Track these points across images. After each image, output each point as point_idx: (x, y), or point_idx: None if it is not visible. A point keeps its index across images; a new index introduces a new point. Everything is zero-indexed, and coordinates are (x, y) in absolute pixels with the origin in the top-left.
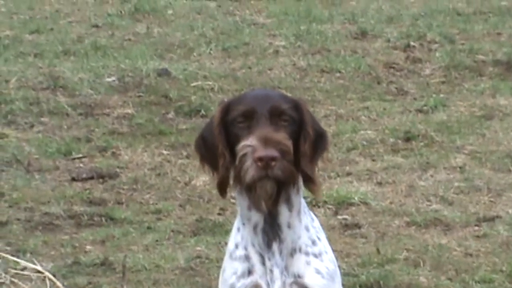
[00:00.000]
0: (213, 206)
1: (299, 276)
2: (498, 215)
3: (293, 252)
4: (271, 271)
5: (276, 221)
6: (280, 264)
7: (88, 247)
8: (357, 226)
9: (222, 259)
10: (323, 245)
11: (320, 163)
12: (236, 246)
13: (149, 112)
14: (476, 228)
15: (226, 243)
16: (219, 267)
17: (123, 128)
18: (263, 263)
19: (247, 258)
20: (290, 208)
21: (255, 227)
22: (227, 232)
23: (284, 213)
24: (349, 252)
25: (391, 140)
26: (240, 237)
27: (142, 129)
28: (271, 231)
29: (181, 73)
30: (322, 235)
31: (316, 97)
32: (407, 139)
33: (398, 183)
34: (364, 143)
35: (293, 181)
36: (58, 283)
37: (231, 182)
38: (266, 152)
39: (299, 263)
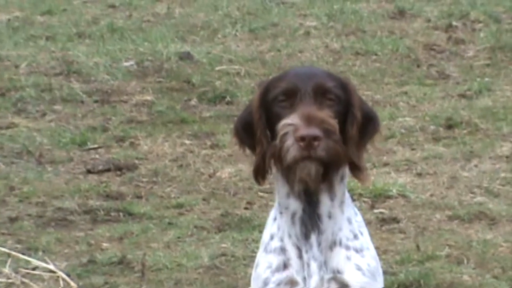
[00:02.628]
0: (240, 199)
1: (338, 272)
2: None
3: (332, 245)
4: (308, 265)
5: (316, 211)
6: (318, 258)
7: (105, 245)
8: (395, 220)
9: (249, 257)
10: (365, 240)
11: (370, 149)
12: (272, 237)
13: (170, 99)
14: None
15: (253, 240)
16: (246, 265)
17: (142, 116)
18: (300, 257)
19: (282, 250)
20: (332, 197)
21: (293, 216)
22: (254, 228)
23: (325, 202)
24: (387, 248)
25: (432, 127)
26: (276, 228)
27: (163, 117)
28: (310, 221)
29: (204, 57)
30: (365, 230)
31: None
32: (449, 127)
33: (439, 174)
34: (403, 131)
35: (340, 162)
36: (72, 283)
37: (270, 168)
38: (308, 130)
39: (339, 258)
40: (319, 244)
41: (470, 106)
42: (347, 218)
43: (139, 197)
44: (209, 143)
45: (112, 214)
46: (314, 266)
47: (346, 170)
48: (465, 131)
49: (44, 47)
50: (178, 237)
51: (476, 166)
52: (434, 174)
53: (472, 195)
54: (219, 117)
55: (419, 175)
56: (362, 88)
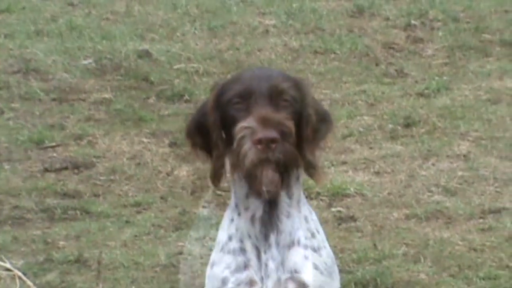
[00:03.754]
0: (197, 198)
1: (296, 272)
2: (504, 207)
3: (290, 244)
4: (266, 265)
5: (275, 211)
6: (277, 258)
7: (62, 243)
8: (353, 219)
9: (206, 255)
10: (322, 239)
11: (324, 148)
12: (230, 238)
13: (128, 97)
14: (481, 220)
15: (210, 238)
16: (203, 264)
17: (100, 114)
18: (259, 257)
19: (242, 251)
20: (290, 196)
21: (252, 217)
22: (212, 226)
23: (283, 202)
24: (344, 247)
25: (390, 126)
26: (234, 229)
27: (121, 115)
28: (269, 221)
29: (163, 55)
30: (321, 229)
31: (308, 79)
32: (407, 125)
33: (397, 172)
34: (361, 129)
35: (296, 164)
36: (29, 282)
37: (226, 170)
38: (265, 133)
39: (297, 258)
40: (277, 244)
41: (428, 105)
42: (304, 217)
43: (97, 195)
44: (167, 141)
45: (69, 212)
46: (272, 266)
47: (301, 169)
48: (423, 130)
49: (2, 45)
50: (135, 236)
51: (433, 164)
52: (391, 172)
53: (429, 193)
54: (177, 115)
55: (377, 173)
56: (321, 86)
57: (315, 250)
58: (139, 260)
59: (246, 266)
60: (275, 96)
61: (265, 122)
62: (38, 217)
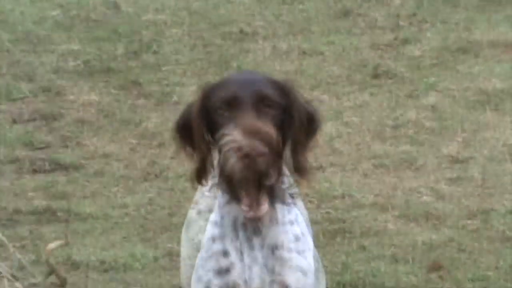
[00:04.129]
0: (166, 149)
1: (279, 274)
2: (472, 156)
3: (274, 248)
4: (250, 268)
5: (257, 215)
6: (260, 261)
7: (30, 194)
8: (321, 168)
9: (175, 206)
10: (307, 241)
11: (311, 148)
12: (213, 240)
13: (96, 48)
14: (449, 170)
15: (179, 189)
16: (171, 214)
17: (69, 66)
18: (242, 260)
19: (225, 253)
20: (273, 202)
21: (234, 221)
22: (180, 177)
23: (266, 207)
24: (312, 196)
25: (358, 76)
26: (217, 231)
27: (89, 66)
28: (251, 226)
29: (131, 6)
30: (306, 230)
31: (276, 30)
32: (376, 75)
33: (365, 121)
34: (329, 79)
35: (279, 175)
36: None
37: (209, 171)
38: (251, 147)
39: (281, 260)
40: (261, 248)
41: (397, 54)
42: (289, 221)
43: (65, 146)
44: (135, 92)
45: (38, 164)
46: (255, 269)
47: (286, 172)
48: (391, 81)
49: None
50: (104, 187)
51: (401, 115)
52: (360, 122)
53: (397, 143)
54: (146, 67)
55: (345, 124)
56: (288, 38)
57: (299, 253)
58: (108, 211)
59: (228, 269)
60: (260, 104)
61: (250, 134)
62: (7, 169)
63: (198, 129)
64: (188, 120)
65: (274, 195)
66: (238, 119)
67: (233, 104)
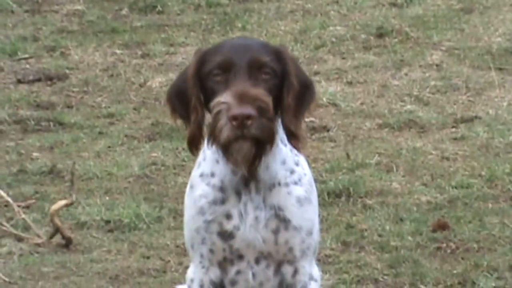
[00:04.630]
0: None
1: (279, 209)
2: (477, 115)
3: (271, 186)
4: (245, 204)
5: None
6: (256, 199)
7: (35, 154)
8: (325, 129)
9: (179, 166)
10: (302, 168)
11: (306, 116)
12: (213, 175)
13: (101, 8)
14: (454, 130)
15: (183, 149)
16: (176, 174)
17: (73, 26)
18: (239, 197)
19: (222, 189)
20: (267, 161)
21: (236, 184)
22: (184, 137)
23: (261, 162)
24: (317, 157)
25: (363, 36)
26: (218, 169)
27: (94, 27)
28: (253, 187)
29: None
30: (301, 159)
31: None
32: (380, 35)
33: (369, 82)
34: (333, 40)
35: (272, 141)
36: (2, 193)
37: (203, 138)
38: (241, 110)
39: (279, 196)
40: (257, 190)
41: (401, 14)
42: (281, 161)
43: (70, 106)
44: (140, 52)
45: (43, 123)
46: (250, 206)
47: (281, 132)
48: (395, 40)
49: None
50: (109, 147)
51: (406, 74)
52: (364, 82)
53: (402, 103)
54: (150, 27)
55: (350, 83)
56: None
57: (296, 182)
58: (113, 171)
59: (223, 200)
60: (254, 69)
61: (241, 98)
62: (12, 129)
63: (193, 90)
64: (183, 86)
65: (265, 155)
66: (232, 85)
67: (228, 69)
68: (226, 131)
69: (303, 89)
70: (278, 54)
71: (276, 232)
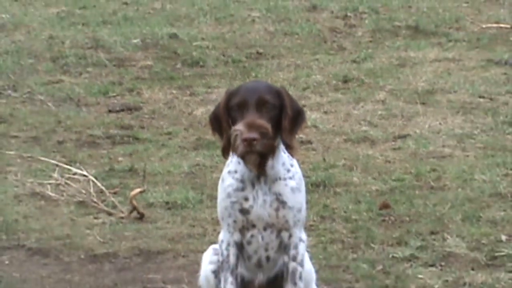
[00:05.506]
0: (208, 129)
1: (279, 194)
2: (408, 134)
3: (275, 180)
4: (257, 191)
5: (263, 167)
6: (264, 188)
7: (120, 159)
8: (309, 142)
9: (215, 167)
10: (295, 167)
11: (298, 133)
12: (236, 171)
13: (163, 63)
14: (393, 143)
15: (217, 155)
16: (213, 172)
17: (145, 75)
18: (253, 186)
19: (242, 181)
20: (272, 158)
21: (251, 178)
22: (218, 147)
23: (268, 164)
24: (304, 160)
25: (334, 82)
26: (240, 168)
27: (158, 75)
28: (262, 180)
29: (186, 36)
30: (294, 162)
31: (281, 52)
32: (345, 81)
33: (338, 112)
34: (315, 84)
35: (272, 153)
36: (98, 183)
37: (231, 148)
38: (249, 135)
39: (279, 186)
40: (265, 182)
41: (359, 68)
42: (282, 163)
43: (142, 127)
44: (188, 92)
45: (125, 139)
46: (260, 192)
47: (280, 142)
48: (355, 84)
49: (81, 30)
50: (168, 154)
51: (362, 107)
52: (335, 112)
53: (359, 125)
54: (195, 75)
55: (326, 112)
56: (289, 56)
57: (291, 178)
58: (170, 169)
59: (243, 189)
60: (260, 105)
61: (250, 126)
62: (105, 142)
63: (223, 120)
64: (217, 114)
65: (268, 161)
66: (245, 116)
67: (243, 105)
68: (240, 148)
69: (296, 115)
70: (278, 93)
71: (277, 210)
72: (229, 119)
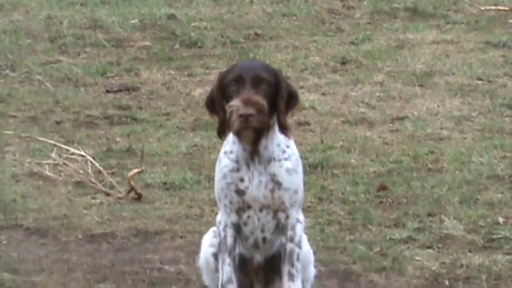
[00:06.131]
0: (205, 110)
1: (274, 175)
2: (406, 115)
3: (270, 160)
4: (252, 172)
5: (257, 146)
6: (259, 168)
7: (118, 139)
8: (308, 123)
9: (213, 148)
10: (291, 148)
11: (292, 114)
12: (231, 152)
13: (161, 44)
14: (391, 125)
15: (214, 136)
16: (210, 153)
17: (143, 55)
18: (248, 167)
19: (237, 161)
20: (266, 138)
21: (246, 158)
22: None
23: (262, 143)
24: (302, 142)
25: (332, 63)
26: (235, 148)
27: (156, 56)
28: (257, 161)
29: (184, 17)
30: (291, 143)
31: (279, 33)
32: (343, 63)
33: (336, 94)
34: (313, 65)
35: (267, 129)
36: (96, 164)
37: (228, 129)
38: (246, 110)
39: (274, 167)
40: (259, 162)
41: (357, 49)
42: (276, 144)
43: (140, 108)
44: (186, 73)
45: (123, 119)
46: (255, 173)
47: (275, 123)
48: (353, 66)
49: (79, 10)
50: (166, 134)
51: (360, 88)
52: (333, 94)
53: (357, 107)
54: (193, 56)
55: (323, 94)
56: (287, 38)
57: (286, 159)
58: (168, 150)
59: (238, 169)
60: (257, 82)
61: (246, 102)
62: (103, 122)
63: (217, 100)
64: (212, 96)
65: (263, 137)
66: (241, 93)
67: (239, 82)
68: (236, 123)
69: (290, 97)
70: (274, 74)
71: (272, 191)
72: (223, 100)
